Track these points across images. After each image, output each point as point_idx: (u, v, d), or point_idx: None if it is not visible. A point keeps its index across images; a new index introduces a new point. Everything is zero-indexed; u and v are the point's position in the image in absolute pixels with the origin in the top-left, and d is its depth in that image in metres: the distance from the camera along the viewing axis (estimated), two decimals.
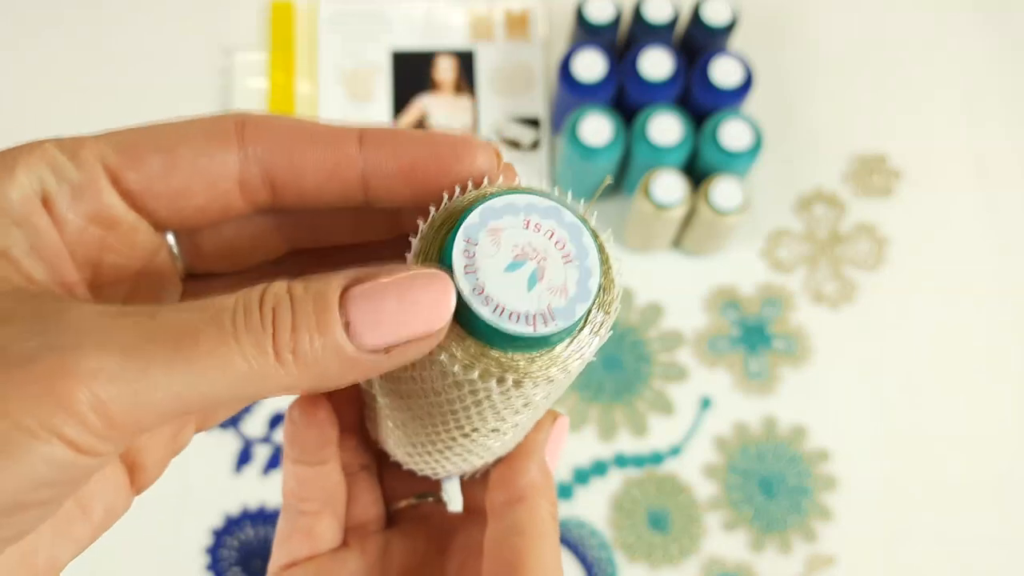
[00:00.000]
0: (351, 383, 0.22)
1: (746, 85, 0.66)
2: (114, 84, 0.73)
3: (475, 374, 0.22)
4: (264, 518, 0.64)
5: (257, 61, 0.73)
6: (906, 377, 0.68)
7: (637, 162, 0.66)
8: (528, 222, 0.22)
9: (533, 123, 0.72)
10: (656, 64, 0.65)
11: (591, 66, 0.66)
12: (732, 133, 0.64)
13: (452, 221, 0.22)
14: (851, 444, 0.67)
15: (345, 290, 0.20)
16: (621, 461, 0.66)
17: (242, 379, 0.20)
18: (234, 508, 0.64)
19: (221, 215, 0.24)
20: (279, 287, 0.20)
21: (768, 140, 0.68)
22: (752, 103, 0.71)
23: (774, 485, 0.66)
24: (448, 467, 0.29)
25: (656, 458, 0.66)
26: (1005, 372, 0.69)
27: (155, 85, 0.73)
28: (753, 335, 0.69)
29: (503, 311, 0.21)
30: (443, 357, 0.22)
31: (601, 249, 0.23)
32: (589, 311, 0.23)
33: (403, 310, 0.21)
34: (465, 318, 0.22)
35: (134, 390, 0.19)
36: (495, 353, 0.22)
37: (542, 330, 0.21)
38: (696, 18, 0.67)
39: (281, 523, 0.31)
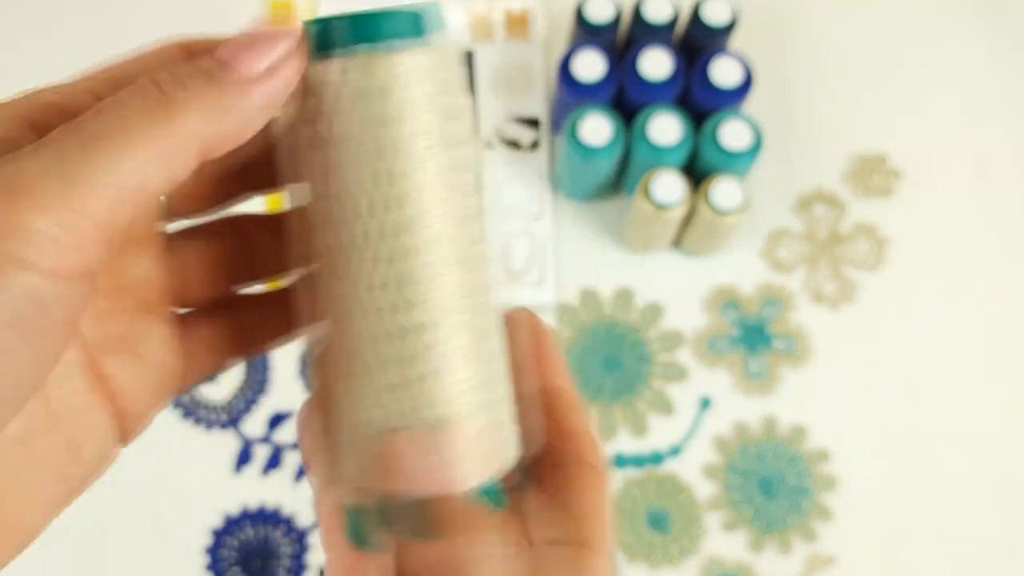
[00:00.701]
0: (262, 119, 0.24)
1: (746, 85, 0.66)
2: None
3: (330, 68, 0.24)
4: (264, 518, 0.64)
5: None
6: (906, 377, 0.68)
7: (637, 162, 0.66)
8: None
9: (533, 123, 0.72)
10: (656, 64, 0.65)
11: (591, 66, 0.66)
12: (732, 133, 0.64)
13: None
14: (851, 444, 0.67)
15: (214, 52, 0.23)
16: (621, 461, 0.66)
17: (155, 142, 0.21)
18: (234, 508, 0.64)
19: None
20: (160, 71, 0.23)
21: (768, 140, 0.68)
22: (752, 103, 0.71)
23: (774, 485, 0.66)
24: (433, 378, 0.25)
25: (656, 458, 0.66)
26: (1005, 372, 0.69)
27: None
28: (753, 335, 0.69)
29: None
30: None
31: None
32: (427, 22, 0.25)
33: (263, 43, 0.24)
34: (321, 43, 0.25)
35: (77, 202, 0.20)
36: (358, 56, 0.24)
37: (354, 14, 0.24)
38: (696, 18, 0.67)
39: None
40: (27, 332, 0.20)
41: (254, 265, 0.30)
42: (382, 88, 0.24)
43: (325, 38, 0.25)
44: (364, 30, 0.25)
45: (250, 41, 0.24)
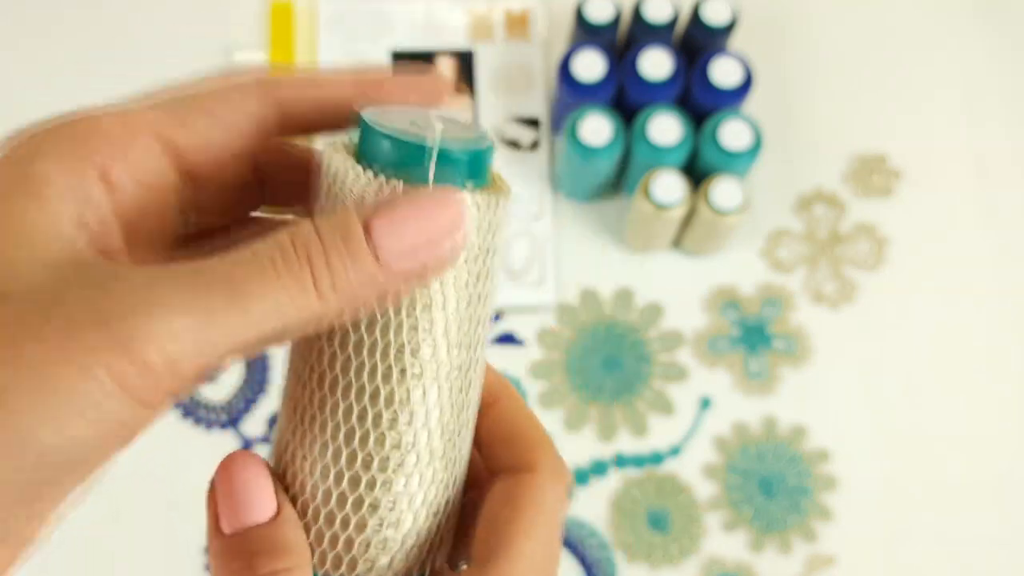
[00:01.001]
0: (384, 304, 0.24)
1: (746, 85, 0.66)
2: (114, 84, 0.72)
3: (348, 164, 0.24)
4: None
5: (257, 61, 0.73)
6: (906, 377, 0.68)
7: (637, 162, 0.66)
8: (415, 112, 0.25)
9: (533, 123, 0.72)
10: (656, 64, 0.65)
11: (591, 66, 0.66)
12: (732, 133, 0.64)
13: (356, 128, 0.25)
14: (851, 444, 0.67)
15: (367, 220, 0.22)
16: (621, 461, 0.66)
17: (288, 315, 0.22)
18: None
19: (238, 163, 0.26)
20: (305, 226, 0.22)
21: (768, 140, 0.68)
22: (752, 103, 0.70)
23: (774, 485, 0.66)
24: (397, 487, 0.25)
25: (656, 458, 0.66)
26: (1005, 372, 0.69)
27: (155, 85, 0.72)
28: (753, 335, 0.69)
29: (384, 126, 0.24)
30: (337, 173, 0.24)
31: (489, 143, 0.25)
32: (482, 162, 0.24)
33: (423, 229, 0.22)
34: (376, 154, 0.24)
35: (198, 342, 0.21)
36: (374, 165, 0.24)
37: (412, 137, 0.23)
38: (696, 18, 0.67)
39: None
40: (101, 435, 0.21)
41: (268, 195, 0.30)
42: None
43: (378, 151, 0.24)
44: (427, 163, 0.24)
45: (413, 224, 0.23)
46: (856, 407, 0.68)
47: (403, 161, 0.23)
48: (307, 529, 0.25)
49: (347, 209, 0.23)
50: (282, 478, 0.26)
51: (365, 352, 0.24)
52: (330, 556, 0.25)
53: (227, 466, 0.26)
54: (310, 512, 0.25)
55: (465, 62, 0.73)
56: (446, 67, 0.73)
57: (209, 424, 0.65)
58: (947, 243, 0.72)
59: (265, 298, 0.21)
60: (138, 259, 0.25)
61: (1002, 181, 0.74)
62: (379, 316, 0.24)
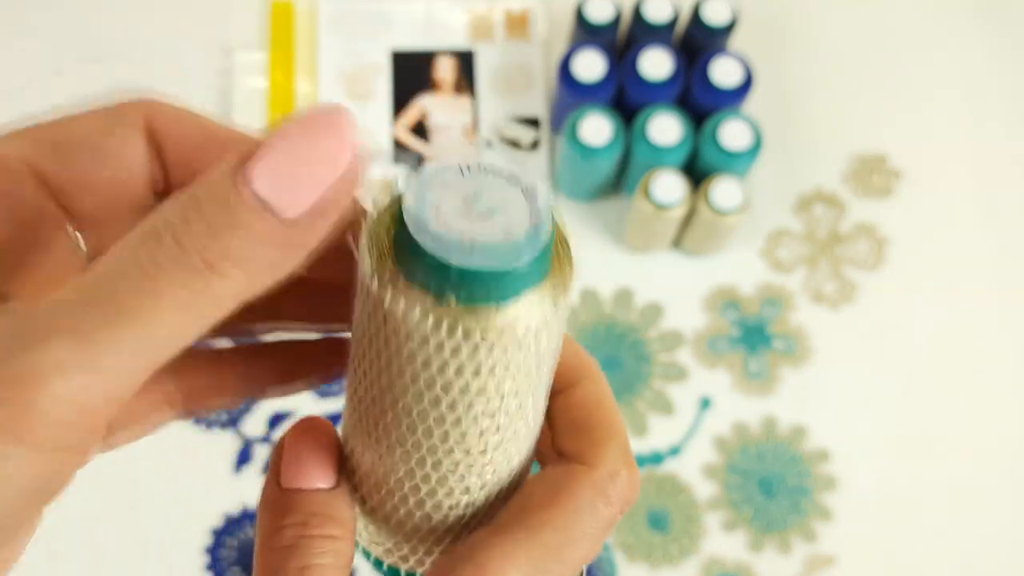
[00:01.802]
0: (304, 259, 0.20)
1: (746, 85, 0.66)
2: (114, 84, 0.72)
3: (416, 315, 0.20)
4: None
5: (257, 61, 0.73)
6: (906, 377, 0.68)
7: (637, 162, 0.66)
8: (468, 172, 0.21)
9: (533, 123, 0.72)
10: (656, 64, 0.65)
11: (591, 66, 0.66)
12: (732, 133, 0.64)
13: (395, 203, 0.22)
14: (851, 444, 0.67)
15: (245, 171, 0.19)
16: None
17: (193, 307, 0.19)
18: (234, 508, 0.64)
19: (131, 204, 0.24)
20: (169, 203, 0.19)
21: (768, 140, 0.68)
22: (752, 103, 0.71)
23: (774, 485, 0.66)
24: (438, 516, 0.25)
25: (656, 458, 0.66)
26: (1005, 372, 0.69)
27: (155, 85, 0.72)
28: (753, 335, 0.69)
29: (448, 247, 0.20)
30: (390, 304, 0.21)
31: (557, 222, 0.22)
32: (540, 266, 0.21)
33: (307, 159, 0.19)
34: (411, 266, 0.21)
35: (97, 372, 0.18)
36: (440, 300, 0.21)
37: (480, 262, 0.20)
38: (696, 18, 0.67)
39: None
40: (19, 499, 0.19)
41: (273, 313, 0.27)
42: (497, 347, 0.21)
43: (417, 266, 0.20)
44: (474, 288, 0.20)
45: (290, 160, 0.19)
46: (856, 407, 0.68)
47: (452, 287, 0.20)
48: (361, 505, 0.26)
49: (216, 170, 0.19)
50: (347, 458, 0.26)
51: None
52: (373, 536, 0.26)
53: (304, 429, 0.25)
54: (363, 491, 0.26)
55: (465, 62, 0.73)
56: (446, 67, 0.73)
57: (209, 424, 0.65)
58: (947, 243, 0.72)
59: (155, 300, 0.18)
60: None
61: (1002, 181, 0.74)
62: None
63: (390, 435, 0.24)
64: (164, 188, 0.24)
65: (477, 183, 0.21)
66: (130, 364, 0.19)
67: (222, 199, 0.19)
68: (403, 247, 0.21)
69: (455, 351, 0.21)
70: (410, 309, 0.20)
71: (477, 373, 0.22)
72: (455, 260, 0.20)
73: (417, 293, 0.21)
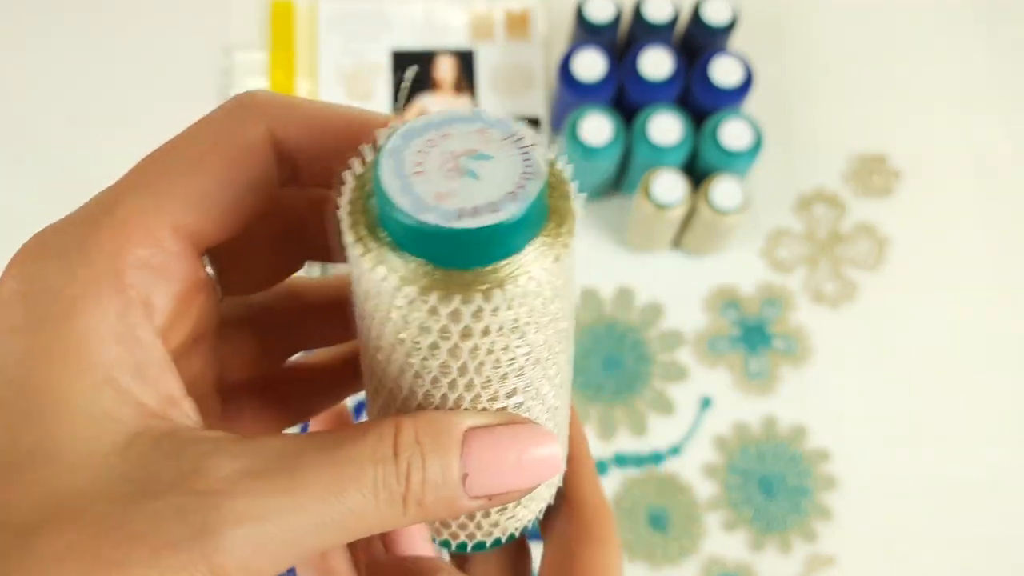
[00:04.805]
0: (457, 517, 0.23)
1: (746, 85, 0.66)
2: (114, 84, 0.72)
3: (415, 291, 0.20)
4: None
5: (257, 60, 0.73)
6: (906, 377, 0.68)
7: (637, 162, 0.66)
8: (451, 133, 0.20)
9: (533, 123, 0.72)
10: (656, 64, 0.65)
11: (591, 66, 0.66)
12: (732, 133, 0.64)
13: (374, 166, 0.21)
14: (851, 444, 0.67)
15: (465, 444, 0.22)
16: (621, 461, 0.66)
17: (370, 522, 0.21)
18: None
19: (256, 219, 0.24)
20: (408, 435, 0.21)
21: (768, 140, 0.68)
22: (752, 103, 0.70)
23: (774, 485, 0.66)
24: None
25: (656, 458, 0.66)
26: (1005, 372, 0.69)
27: (155, 84, 0.73)
28: (753, 335, 0.69)
29: (433, 215, 0.19)
30: (387, 281, 0.20)
31: (549, 164, 0.21)
32: (531, 220, 0.20)
33: (519, 465, 0.22)
34: (405, 241, 0.20)
35: (282, 544, 0.19)
36: (437, 271, 0.20)
37: (470, 223, 0.19)
38: (696, 18, 0.67)
39: None
40: None
41: (305, 337, 0.29)
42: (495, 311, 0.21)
43: (404, 236, 0.20)
44: (466, 252, 0.20)
45: (509, 458, 0.22)
46: (856, 407, 0.68)
47: (442, 254, 0.20)
48: None
49: (449, 424, 0.22)
50: None
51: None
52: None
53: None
54: None
55: (465, 62, 0.73)
56: (446, 67, 0.73)
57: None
58: (947, 243, 0.72)
59: (356, 509, 0.20)
60: (187, 370, 0.23)
61: (1002, 181, 0.74)
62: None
63: (409, 406, 0.23)
64: (296, 182, 0.24)
65: (464, 137, 0.20)
66: (305, 545, 0.20)
67: (445, 461, 0.21)
68: (383, 213, 0.20)
69: (455, 316, 0.20)
70: (396, 277, 0.20)
71: (485, 334, 0.21)
72: (434, 221, 0.19)
73: (400, 261, 0.20)
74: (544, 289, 0.21)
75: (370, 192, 0.21)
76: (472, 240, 0.19)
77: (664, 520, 0.65)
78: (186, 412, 0.21)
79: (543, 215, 0.21)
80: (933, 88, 0.76)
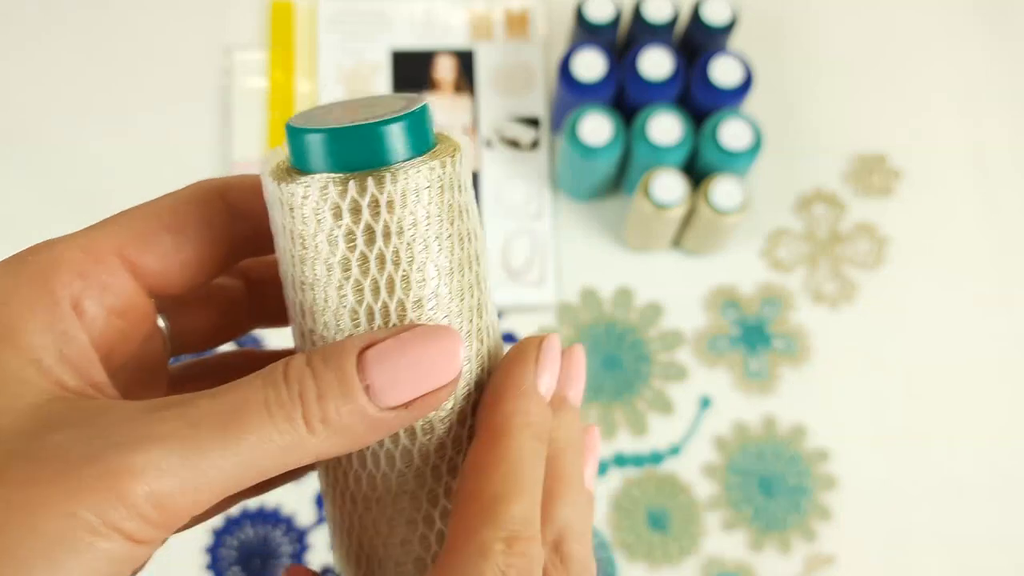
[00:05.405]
0: (377, 440, 0.23)
1: (746, 85, 0.66)
2: (114, 83, 0.73)
3: (314, 193, 0.23)
4: (264, 518, 0.64)
5: (257, 60, 0.73)
6: (906, 377, 0.68)
7: (637, 162, 0.66)
8: (353, 106, 0.25)
9: (533, 122, 0.72)
10: (656, 64, 0.65)
11: (591, 66, 0.66)
12: (732, 133, 0.64)
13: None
14: (851, 444, 0.67)
15: (361, 354, 0.22)
16: (620, 460, 0.66)
17: (280, 451, 0.22)
18: (234, 508, 0.64)
19: (210, 277, 0.26)
20: (299, 361, 0.22)
21: (768, 140, 0.68)
22: (752, 103, 0.70)
23: (774, 485, 0.66)
24: None
25: (656, 458, 0.66)
26: (1005, 372, 0.69)
27: (155, 84, 0.73)
28: (753, 335, 0.69)
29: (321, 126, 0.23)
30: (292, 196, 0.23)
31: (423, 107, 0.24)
32: (412, 128, 0.23)
33: (417, 365, 0.22)
34: (309, 159, 0.23)
35: (187, 479, 0.21)
36: (338, 176, 0.23)
37: (335, 124, 0.22)
38: (696, 18, 0.67)
39: None
40: None
41: (256, 315, 0.30)
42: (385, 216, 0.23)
43: (310, 153, 0.23)
44: (358, 151, 0.23)
45: (405, 361, 0.23)
46: (856, 407, 0.68)
47: (339, 155, 0.23)
48: None
49: (341, 345, 0.22)
50: None
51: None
52: None
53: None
54: None
55: (465, 62, 0.73)
56: (446, 67, 0.73)
57: None
58: (947, 243, 0.72)
59: (255, 434, 0.21)
60: (129, 391, 0.25)
61: (1002, 181, 0.74)
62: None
63: (329, 331, 0.25)
64: (249, 251, 0.27)
65: (365, 105, 0.24)
66: (217, 483, 0.21)
67: (339, 374, 0.22)
68: (291, 144, 0.23)
69: (354, 210, 0.23)
70: (302, 188, 0.23)
71: (386, 236, 0.23)
72: (328, 127, 0.23)
73: (307, 178, 0.23)
74: (436, 196, 0.23)
75: (285, 161, 0.24)
76: (361, 138, 0.23)
77: (664, 520, 0.65)
78: (108, 395, 0.23)
79: (427, 135, 0.24)
80: (933, 88, 0.76)
